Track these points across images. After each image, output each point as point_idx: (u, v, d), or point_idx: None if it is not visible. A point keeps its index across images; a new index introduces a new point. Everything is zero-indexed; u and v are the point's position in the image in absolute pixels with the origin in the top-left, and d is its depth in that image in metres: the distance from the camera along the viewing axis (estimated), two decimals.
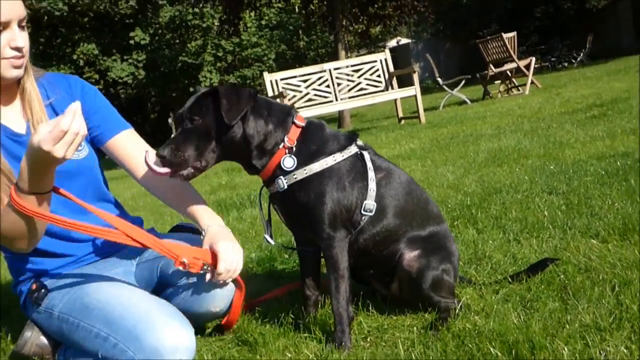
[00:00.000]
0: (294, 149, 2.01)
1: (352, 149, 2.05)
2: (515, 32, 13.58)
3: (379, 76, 10.58)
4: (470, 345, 1.79)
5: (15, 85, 2.05)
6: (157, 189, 2.26)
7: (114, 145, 2.25)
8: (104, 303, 1.91)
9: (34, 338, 2.13)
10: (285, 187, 1.99)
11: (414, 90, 9.88)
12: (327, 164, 1.99)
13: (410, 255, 2.10)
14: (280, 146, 2.00)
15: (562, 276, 2.20)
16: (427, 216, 2.19)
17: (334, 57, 14.95)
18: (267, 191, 2.13)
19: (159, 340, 1.79)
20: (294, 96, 10.22)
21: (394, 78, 10.65)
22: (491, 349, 1.72)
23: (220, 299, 2.11)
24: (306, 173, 1.97)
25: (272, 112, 2.03)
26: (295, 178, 1.98)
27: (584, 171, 3.79)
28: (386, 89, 10.48)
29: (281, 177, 1.99)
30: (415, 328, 2.02)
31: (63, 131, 1.66)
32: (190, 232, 2.39)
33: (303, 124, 2.05)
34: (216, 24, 25.19)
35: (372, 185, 2.04)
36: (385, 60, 10.66)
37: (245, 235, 3.76)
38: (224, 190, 6.16)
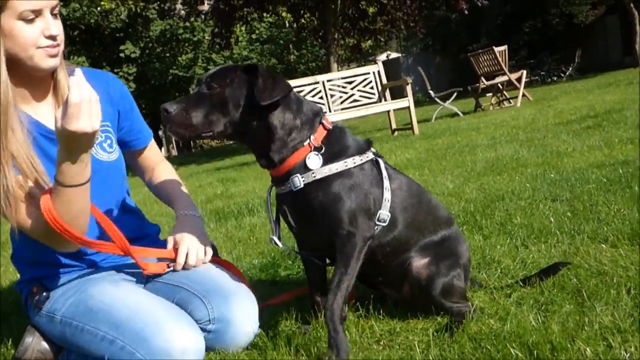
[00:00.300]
0: (323, 148, 1.94)
1: (369, 154, 2.01)
2: (507, 46, 13.68)
3: (372, 88, 10.58)
4: (488, 347, 1.75)
5: (49, 78, 1.98)
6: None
7: (141, 153, 2.28)
8: (110, 306, 1.86)
9: (35, 344, 2.07)
10: (302, 185, 1.91)
11: (407, 101, 9.90)
12: (347, 165, 1.93)
13: (420, 263, 2.05)
14: (305, 143, 1.94)
15: (575, 280, 2.17)
16: (437, 222, 2.14)
17: (325, 70, 14.99)
18: (275, 191, 2.06)
19: (168, 341, 1.75)
20: None
21: (387, 90, 10.66)
22: (511, 350, 1.68)
23: (243, 339, 2.03)
24: (326, 172, 1.91)
25: (301, 109, 1.97)
26: (314, 177, 1.90)
27: (586, 179, 3.78)
28: (379, 100, 10.48)
29: (298, 175, 1.92)
30: (428, 331, 1.99)
31: (78, 105, 1.62)
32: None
33: (330, 127, 2.00)
34: (207, 37, 25.22)
35: (387, 195, 1.99)
36: (378, 72, 10.67)
37: (246, 243, 3.72)
38: (220, 199, 6.10)
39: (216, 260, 2.26)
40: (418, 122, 10.31)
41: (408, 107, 9.93)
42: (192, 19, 21.76)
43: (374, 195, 1.97)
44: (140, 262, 1.99)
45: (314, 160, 1.91)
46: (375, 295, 2.29)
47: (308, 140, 1.94)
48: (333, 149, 1.95)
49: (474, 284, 2.31)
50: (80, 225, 1.84)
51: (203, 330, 1.94)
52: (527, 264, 2.49)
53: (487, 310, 2.07)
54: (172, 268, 2.12)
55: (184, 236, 2.10)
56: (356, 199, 1.91)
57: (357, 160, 1.96)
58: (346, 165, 1.92)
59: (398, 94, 15.60)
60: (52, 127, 1.90)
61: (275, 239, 2.07)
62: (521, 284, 2.24)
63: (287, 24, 24.76)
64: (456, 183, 4.53)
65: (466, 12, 15.68)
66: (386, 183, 2.00)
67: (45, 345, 2.07)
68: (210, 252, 2.15)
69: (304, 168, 1.92)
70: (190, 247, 2.08)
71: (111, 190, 2.13)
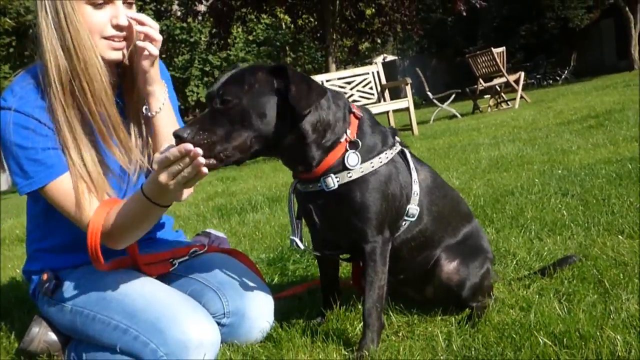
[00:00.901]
0: (359, 144, 1.77)
1: (398, 146, 1.89)
2: (504, 47, 13.68)
3: (371, 88, 10.54)
4: (513, 336, 1.70)
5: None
6: None
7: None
8: (124, 295, 1.80)
9: (41, 334, 2.00)
10: (336, 186, 1.75)
11: (407, 102, 9.86)
12: (382, 161, 1.80)
13: (449, 267, 1.97)
14: (342, 140, 1.76)
15: (594, 270, 2.13)
16: (460, 217, 2.08)
17: (323, 71, 14.95)
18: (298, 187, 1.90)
19: (184, 333, 1.69)
20: None
21: (386, 90, 10.62)
22: (539, 339, 1.63)
23: (257, 334, 1.97)
24: (362, 172, 1.76)
25: (331, 104, 1.77)
26: (350, 177, 1.75)
27: (595, 174, 3.75)
28: (378, 101, 10.43)
29: (331, 175, 1.75)
30: (448, 322, 1.94)
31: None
32: (215, 239, 2.29)
33: (360, 115, 1.83)
34: (204, 38, 25.17)
35: (415, 188, 1.89)
36: (378, 72, 10.63)
37: (252, 238, 3.66)
38: (221, 197, 6.05)
39: (229, 251, 2.21)
40: (417, 123, 10.27)
41: (407, 108, 9.88)
42: (189, 20, 21.72)
43: (405, 191, 1.88)
44: (145, 268, 1.94)
45: (353, 159, 1.75)
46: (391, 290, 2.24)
47: (345, 136, 1.77)
48: (367, 143, 1.80)
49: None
50: (128, 240, 1.82)
51: (217, 324, 1.88)
52: (543, 256, 2.45)
53: (507, 301, 2.02)
54: (175, 265, 2.04)
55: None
56: (388, 200, 1.81)
57: (389, 154, 1.83)
58: (380, 162, 1.79)
59: (395, 96, 15.59)
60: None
61: (297, 240, 1.90)
62: (540, 275, 2.20)
63: (285, 25, 24.74)
64: (462, 179, 4.48)
65: (464, 13, 15.68)
66: (414, 175, 1.90)
67: (52, 335, 2.00)
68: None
69: (341, 167, 1.76)
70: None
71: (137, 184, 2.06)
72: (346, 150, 1.76)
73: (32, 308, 2.42)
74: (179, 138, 1.52)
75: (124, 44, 1.79)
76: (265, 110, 1.62)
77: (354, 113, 1.82)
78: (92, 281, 1.88)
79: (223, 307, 1.93)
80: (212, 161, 1.57)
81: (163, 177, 1.52)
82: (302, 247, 1.91)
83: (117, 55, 1.80)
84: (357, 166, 1.75)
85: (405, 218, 1.90)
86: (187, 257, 2.08)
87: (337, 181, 1.76)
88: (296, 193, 1.92)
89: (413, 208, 1.89)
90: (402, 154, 1.92)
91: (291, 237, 1.93)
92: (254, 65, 1.71)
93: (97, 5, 1.71)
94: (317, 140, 1.73)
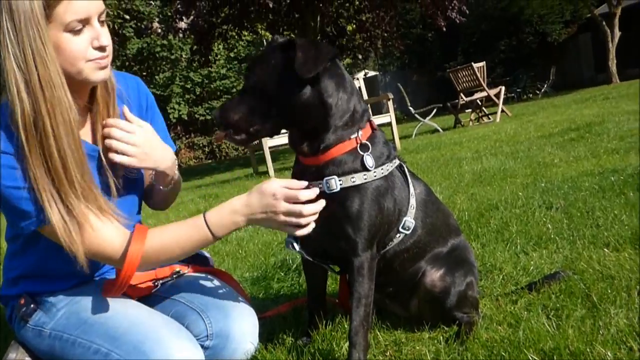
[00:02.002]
0: (369, 148, 1.79)
1: (396, 160, 1.89)
2: (484, 62, 13.81)
3: None
4: (502, 354, 1.68)
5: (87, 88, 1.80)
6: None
7: None
8: (106, 318, 1.74)
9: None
10: (338, 189, 1.74)
11: (389, 117, 9.88)
12: (383, 173, 1.80)
13: (435, 276, 1.96)
14: (352, 137, 1.77)
15: (582, 285, 2.12)
16: (449, 230, 2.07)
17: None
18: None
19: (168, 357, 1.64)
20: None
21: (368, 106, 10.63)
22: (529, 356, 1.61)
23: (242, 356, 1.91)
24: (366, 179, 1.76)
25: (354, 95, 1.80)
26: (354, 181, 1.75)
27: (578, 187, 3.76)
28: None
29: (335, 177, 1.75)
30: (436, 340, 1.91)
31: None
32: (205, 260, 2.24)
33: (376, 128, 1.86)
34: (185, 55, 25.13)
35: (412, 202, 1.89)
36: (359, 88, 10.66)
37: (235, 256, 3.61)
38: None
39: (212, 271, 2.16)
40: (399, 138, 10.29)
41: (390, 123, 9.91)
42: (170, 37, 21.69)
43: (400, 202, 1.87)
44: (127, 289, 1.87)
45: (369, 161, 1.77)
46: (377, 307, 2.20)
47: (356, 134, 1.78)
48: (377, 151, 1.81)
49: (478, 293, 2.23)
50: (154, 264, 1.81)
51: (201, 346, 1.82)
52: (530, 270, 2.43)
53: (494, 317, 2.00)
54: (158, 287, 2.00)
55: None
56: (383, 213, 1.80)
57: (390, 167, 1.83)
58: (382, 173, 1.80)
59: (377, 111, 15.65)
60: (91, 143, 1.81)
61: (294, 242, 1.87)
62: (527, 290, 2.18)
63: (266, 42, 24.78)
64: (446, 194, 4.47)
65: (444, 29, 15.80)
66: (412, 189, 1.90)
67: None
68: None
69: (342, 164, 1.76)
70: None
71: (135, 206, 2.01)
72: (353, 149, 1.77)
73: (10, 333, 2.34)
74: (215, 117, 1.79)
75: (108, 60, 1.73)
76: (283, 82, 1.70)
77: (371, 122, 1.85)
78: (71, 304, 1.82)
79: (206, 329, 1.88)
80: (242, 136, 1.76)
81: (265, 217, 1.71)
82: (297, 248, 1.88)
83: (105, 75, 1.73)
84: (373, 168, 1.77)
85: (401, 230, 1.89)
86: (170, 278, 2.03)
87: (340, 184, 1.75)
88: None
89: (409, 221, 1.89)
90: (400, 167, 1.92)
91: (287, 238, 1.90)
92: (268, 47, 1.79)
93: (75, 31, 1.62)
94: (336, 120, 1.76)
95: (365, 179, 1.76)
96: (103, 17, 1.68)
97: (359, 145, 1.78)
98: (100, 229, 1.66)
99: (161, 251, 1.73)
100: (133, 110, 1.90)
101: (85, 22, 1.62)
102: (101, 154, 1.79)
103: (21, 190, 1.59)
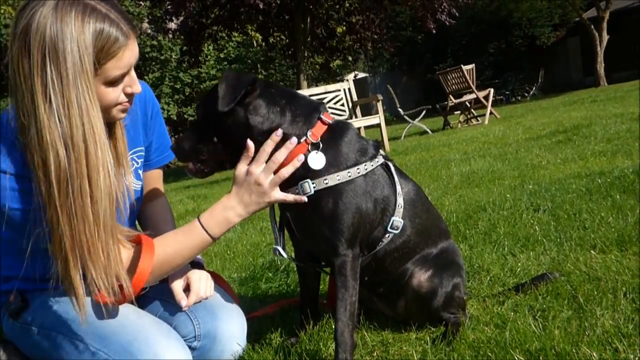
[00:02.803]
0: (321, 145, 1.77)
1: (380, 159, 1.88)
2: (474, 65, 13.87)
3: (342, 105, 10.58)
4: (489, 355, 1.68)
5: None
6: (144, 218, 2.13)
7: (148, 175, 2.09)
8: (94, 318, 1.72)
9: (5, 358, 1.92)
10: (312, 192, 1.73)
11: (378, 118, 9.90)
12: (359, 172, 1.79)
13: (422, 277, 1.96)
14: (302, 140, 1.76)
15: (568, 286, 2.13)
16: (439, 232, 2.07)
17: (295, 88, 14.97)
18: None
19: (156, 357, 1.63)
20: None
21: (358, 107, 10.66)
22: (515, 357, 1.61)
23: (229, 357, 1.90)
24: (339, 179, 1.75)
25: (293, 102, 1.79)
26: (327, 183, 1.74)
27: (565, 189, 3.78)
28: (350, 117, 10.46)
29: (308, 180, 1.74)
30: (423, 341, 1.91)
31: None
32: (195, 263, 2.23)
33: (330, 122, 1.82)
34: (174, 56, 25.05)
35: (400, 201, 1.88)
36: (349, 89, 10.68)
37: (223, 257, 3.60)
38: (192, 215, 5.96)
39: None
40: (388, 140, 10.31)
41: (379, 124, 9.93)
42: (160, 38, 21.62)
43: (384, 202, 1.86)
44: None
45: (315, 160, 1.75)
46: (365, 306, 2.21)
47: (305, 137, 1.76)
48: (340, 149, 1.79)
49: (465, 294, 2.24)
50: (157, 278, 1.79)
51: (188, 347, 1.82)
52: (517, 272, 2.44)
53: (481, 318, 2.00)
54: (146, 289, 1.98)
55: (191, 271, 1.92)
56: (365, 212, 1.79)
57: (368, 166, 1.82)
58: (358, 172, 1.78)
59: (367, 112, 15.67)
60: None
61: (280, 249, 1.88)
62: (514, 291, 2.19)
63: (256, 43, 24.77)
64: (434, 195, 4.48)
65: (433, 31, 15.86)
66: (398, 188, 1.89)
67: None
68: (212, 285, 1.97)
69: (304, 169, 1.75)
70: (202, 277, 1.92)
71: (133, 216, 2.00)
72: (306, 153, 1.76)
73: None
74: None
75: (130, 103, 1.71)
76: (214, 118, 1.74)
77: (321, 119, 1.81)
78: (60, 302, 1.80)
79: (194, 329, 1.87)
80: (198, 166, 1.84)
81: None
82: (285, 256, 1.88)
83: (125, 114, 1.72)
84: (321, 166, 1.75)
85: (390, 230, 1.88)
86: (157, 282, 2.02)
87: (314, 187, 1.74)
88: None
89: (397, 220, 1.88)
90: (386, 167, 1.90)
91: (274, 246, 1.90)
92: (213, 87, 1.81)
93: (114, 83, 1.59)
94: (267, 133, 1.75)
95: (339, 179, 1.75)
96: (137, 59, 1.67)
97: (309, 146, 1.76)
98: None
99: (164, 263, 1.73)
100: (138, 118, 1.92)
101: (126, 74, 1.61)
102: None
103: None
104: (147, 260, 1.67)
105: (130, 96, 1.67)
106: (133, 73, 1.65)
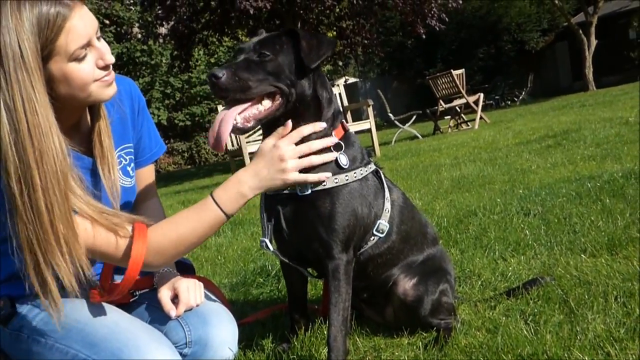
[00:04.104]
0: (343, 147, 1.81)
1: (372, 165, 1.92)
2: (464, 70, 13.93)
3: None
4: (481, 359, 1.68)
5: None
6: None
7: (140, 173, 2.05)
8: (84, 323, 1.71)
9: None
10: (309, 191, 1.75)
11: (369, 123, 9.91)
12: (356, 176, 1.81)
13: (407, 285, 1.97)
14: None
15: (559, 290, 2.13)
16: (425, 239, 2.09)
17: None
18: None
19: None
20: None
21: (348, 112, 10.67)
22: None
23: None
24: (336, 182, 1.78)
25: (332, 97, 1.85)
26: (324, 185, 1.76)
27: (555, 193, 3.79)
28: None
29: None
30: (415, 346, 1.91)
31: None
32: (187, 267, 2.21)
33: (347, 129, 1.88)
34: (165, 61, 24.99)
35: (387, 205, 1.91)
36: (339, 94, 10.68)
37: (214, 263, 3.59)
38: None
39: (192, 277, 2.14)
40: (379, 145, 10.33)
41: (369, 129, 9.94)
42: (150, 42, 21.58)
43: (376, 207, 1.88)
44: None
45: (343, 159, 1.79)
46: (356, 312, 2.20)
47: (330, 135, 1.80)
48: (351, 153, 1.84)
49: (457, 298, 2.24)
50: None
51: (179, 354, 1.80)
52: (508, 276, 2.44)
53: (473, 323, 2.00)
54: (136, 297, 1.97)
55: (178, 281, 1.89)
56: (360, 215, 1.82)
57: (364, 171, 1.85)
58: (355, 176, 1.81)
59: (357, 117, 15.68)
60: (83, 154, 1.77)
61: (267, 241, 1.86)
62: (505, 296, 2.19)
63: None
64: (425, 200, 4.49)
65: (423, 36, 15.91)
66: (387, 193, 1.92)
67: None
68: (202, 290, 1.95)
69: (313, 165, 1.75)
70: (190, 286, 1.90)
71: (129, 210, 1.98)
72: (326, 149, 1.78)
73: None
74: (214, 77, 1.62)
75: (112, 74, 1.69)
76: (294, 67, 1.72)
77: (342, 123, 1.86)
78: None
79: (185, 336, 1.86)
80: (245, 95, 1.66)
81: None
82: (271, 248, 1.87)
83: (113, 90, 1.69)
84: (346, 167, 1.78)
85: (375, 233, 1.89)
86: (148, 290, 2.00)
87: (312, 187, 1.75)
88: (266, 198, 1.89)
89: (383, 224, 1.89)
90: (376, 173, 1.93)
91: (261, 238, 1.89)
92: (277, 32, 1.81)
93: (80, 59, 1.56)
94: (325, 116, 1.79)
95: (337, 182, 1.77)
96: (98, 33, 1.63)
97: (332, 145, 1.79)
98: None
99: (178, 242, 1.70)
100: (126, 115, 1.89)
101: (88, 45, 1.57)
102: (97, 165, 1.77)
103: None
104: (139, 246, 1.64)
105: (105, 68, 1.63)
106: (100, 44, 1.61)
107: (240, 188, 1.70)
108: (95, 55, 1.60)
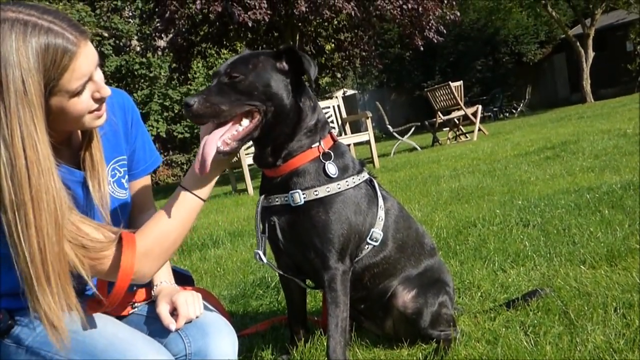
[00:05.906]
0: (332, 156, 1.83)
1: (365, 174, 1.93)
2: (462, 82, 13.97)
3: (332, 122, 10.60)
4: None
5: None
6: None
7: (135, 185, 2.05)
8: (84, 335, 1.70)
9: None
10: (302, 202, 1.78)
11: (368, 135, 9.93)
12: (348, 184, 1.83)
13: (407, 297, 1.97)
14: (314, 146, 1.82)
15: (559, 302, 2.13)
16: (423, 250, 2.09)
17: None
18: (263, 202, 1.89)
19: None
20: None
21: (347, 124, 10.69)
22: None
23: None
24: (328, 191, 1.79)
25: (317, 108, 1.87)
26: (317, 194, 1.78)
27: (554, 204, 3.80)
28: (339, 134, 10.47)
29: (299, 191, 1.78)
30: (415, 358, 1.91)
31: None
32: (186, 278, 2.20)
33: (337, 139, 1.91)
34: (163, 73, 25.03)
35: (381, 214, 1.92)
36: (338, 106, 10.71)
37: (213, 274, 3.58)
38: None
39: (192, 289, 2.14)
40: (377, 156, 10.34)
41: (368, 141, 9.95)
42: (149, 55, 21.61)
43: (370, 215, 1.89)
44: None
45: (332, 169, 1.81)
46: (356, 324, 2.20)
47: (317, 144, 1.82)
48: (342, 162, 1.86)
49: (456, 310, 2.24)
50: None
51: None
52: (508, 287, 2.44)
53: (473, 334, 2.00)
54: (136, 309, 1.97)
55: (176, 294, 1.89)
56: (355, 223, 1.82)
57: (357, 179, 1.86)
58: (347, 185, 1.82)
59: (356, 129, 15.72)
60: (74, 168, 1.76)
61: (261, 253, 1.87)
62: (505, 307, 2.19)
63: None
64: (424, 211, 4.50)
65: (421, 48, 15.96)
66: (380, 202, 1.93)
67: None
68: (201, 302, 1.95)
69: (305, 174, 1.79)
70: (188, 299, 1.90)
71: (119, 225, 1.98)
72: (316, 158, 1.81)
73: None
74: (187, 105, 1.66)
75: (104, 109, 1.68)
76: (270, 82, 1.74)
77: (331, 133, 1.89)
78: None
79: (185, 348, 1.85)
80: (217, 119, 1.68)
81: None
82: (265, 260, 1.87)
83: (103, 120, 1.70)
84: (334, 175, 1.80)
85: (369, 241, 1.89)
86: (146, 302, 2.00)
87: (304, 197, 1.77)
88: (262, 209, 1.90)
89: (377, 232, 1.90)
90: (370, 183, 1.94)
91: (255, 250, 1.90)
92: (255, 52, 1.84)
93: (79, 93, 1.56)
94: (303, 129, 1.81)
95: (329, 191, 1.78)
96: (98, 63, 1.63)
97: (321, 154, 1.81)
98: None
99: (163, 238, 1.69)
100: (119, 128, 1.89)
101: (88, 80, 1.58)
102: (87, 179, 1.77)
103: None
104: (128, 256, 1.63)
105: (100, 101, 1.64)
106: (98, 77, 1.61)
107: None
108: (92, 87, 1.60)
